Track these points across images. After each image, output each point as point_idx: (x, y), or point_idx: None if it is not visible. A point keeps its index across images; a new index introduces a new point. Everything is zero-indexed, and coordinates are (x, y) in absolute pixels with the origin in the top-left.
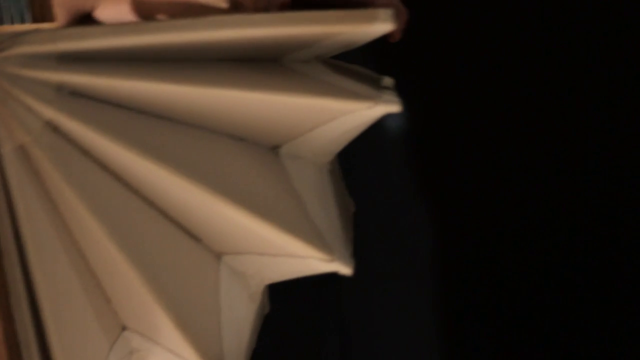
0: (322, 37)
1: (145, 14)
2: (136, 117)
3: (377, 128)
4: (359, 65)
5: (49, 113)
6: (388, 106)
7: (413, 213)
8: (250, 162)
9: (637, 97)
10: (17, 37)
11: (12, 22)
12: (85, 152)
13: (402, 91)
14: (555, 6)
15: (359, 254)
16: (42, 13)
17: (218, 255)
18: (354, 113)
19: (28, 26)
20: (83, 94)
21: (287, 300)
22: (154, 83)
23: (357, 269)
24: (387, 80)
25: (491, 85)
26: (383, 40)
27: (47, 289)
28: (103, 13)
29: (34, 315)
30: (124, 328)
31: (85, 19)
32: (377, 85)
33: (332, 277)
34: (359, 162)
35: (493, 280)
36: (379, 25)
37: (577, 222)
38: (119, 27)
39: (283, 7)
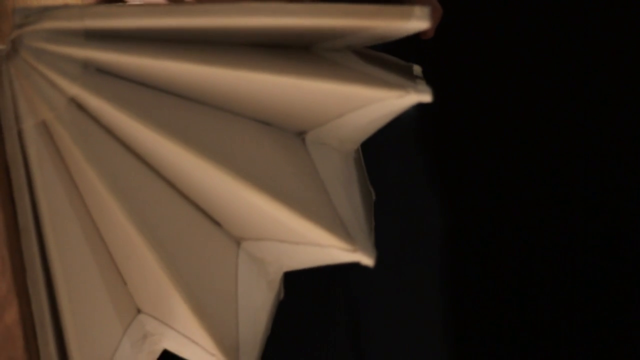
0: (355, 30)
1: None
2: (162, 97)
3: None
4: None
5: (74, 89)
6: (419, 95)
7: (424, 200)
8: (275, 147)
9: None
10: (44, 12)
11: None
12: (109, 131)
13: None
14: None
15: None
16: None
17: (238, 241)
18: (384, 101)
19: (55, 0)
20: (110, 71)
21: (296, 284)
22: (183, 63)
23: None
24: (417, 68)
25: (506, 76)
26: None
27: (62, 269)
28: None
29: (49, 295)
30: (139, 311)
31: None
32: (408, 74)
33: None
34: (369, 149)
35: (502, 268)
36: (415, 23)
37: (589, 212)
38: (150, 9)
39: None
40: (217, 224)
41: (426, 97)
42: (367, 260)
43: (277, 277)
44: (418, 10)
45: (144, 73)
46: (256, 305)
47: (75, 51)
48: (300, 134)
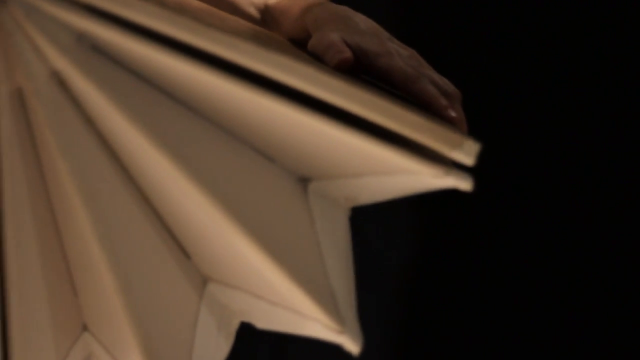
0: (394, 130)
1: None
2: (162, 99)
3: None
4: None
5: (61, 63)
6: (459, 180)
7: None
8: (274, 189)
9: None
10: None
11: None
12: (90, 121)
13: None
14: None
15: None
16: None
17: (205, 280)
18: (415, 175)
19: None
20: (107, 52)
21: None
22: (196, 68)
23: None
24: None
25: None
26: None
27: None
28: None
29: None
30: (84, 328)
31: None
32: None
33: None
34: None
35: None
36: (458, 154)
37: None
38: (171, 17)
39: (342, 63)
40: (186, 255)
41: (465, 185)
42: (352, 347)
43: (235, 328)
44: (468, 145)
45: (147, 65)
46: (209, 356)
47: (73, 18)
48: (304, 180)
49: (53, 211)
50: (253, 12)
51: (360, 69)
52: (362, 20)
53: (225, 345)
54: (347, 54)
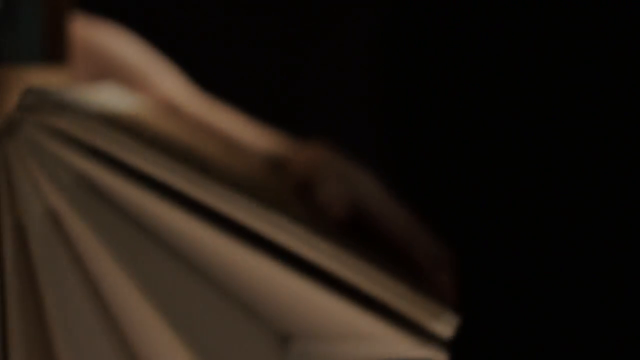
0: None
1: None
2: (156, 250)
3: None
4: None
5: (58, 202)
6: (434, 354)
7: None
8: (253, 347)
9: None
10: (62, 111)
11: (19, 57)
12: (78, 260)
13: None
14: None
15: None
16: (54, 52)
17: None
18: (393, 344)
19: (80, 93)
20: (105, 195)
21: None
22: (197, 224)
23: None
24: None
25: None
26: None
27: None
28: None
29: None
30: None
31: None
32: (424, 330)
33: None
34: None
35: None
36: (437, 325)
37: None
38: (179, 171)
39: (336, 221)
40: None
41: (440, 358)
42: None
43: None
44: (448, 317)
45: (143, 211)
46: None
47: (76, 159)
48: (285, 338)
49: (50, 341)
50: (260, 154)
51: (357, 226)
52: (364, 178)
53: None
54: (342, 212)
